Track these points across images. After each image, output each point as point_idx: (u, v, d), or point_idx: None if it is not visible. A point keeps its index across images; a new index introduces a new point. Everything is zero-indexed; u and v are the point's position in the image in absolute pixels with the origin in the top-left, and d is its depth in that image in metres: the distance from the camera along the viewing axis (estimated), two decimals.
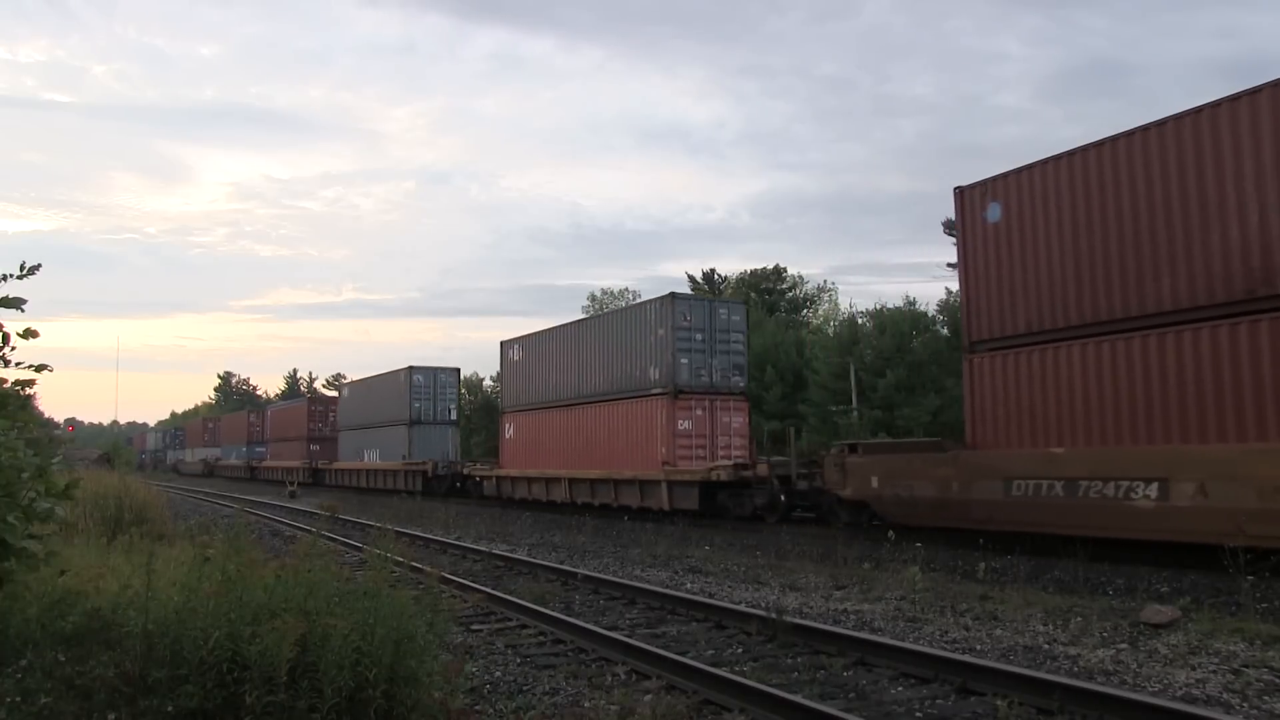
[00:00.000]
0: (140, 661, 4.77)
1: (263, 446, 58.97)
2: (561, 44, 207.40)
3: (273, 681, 4.38)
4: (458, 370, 41.55)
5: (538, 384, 28.66)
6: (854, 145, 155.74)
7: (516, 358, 30.45)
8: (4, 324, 5.36)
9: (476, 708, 6.28)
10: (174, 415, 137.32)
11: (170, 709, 4.46)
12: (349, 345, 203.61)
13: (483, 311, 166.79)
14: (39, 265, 5.30)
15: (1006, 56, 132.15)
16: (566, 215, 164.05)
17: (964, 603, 10.33)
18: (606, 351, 25.13)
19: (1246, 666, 7.29)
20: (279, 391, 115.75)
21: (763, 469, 19.88)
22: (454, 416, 40.22)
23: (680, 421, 22.43)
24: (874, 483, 16.10)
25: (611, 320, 26.56)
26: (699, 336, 22.94)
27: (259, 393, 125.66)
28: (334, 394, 63.81)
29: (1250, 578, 9.72)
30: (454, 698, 5.41)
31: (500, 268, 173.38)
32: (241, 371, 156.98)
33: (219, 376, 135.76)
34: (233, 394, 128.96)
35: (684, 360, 22.65)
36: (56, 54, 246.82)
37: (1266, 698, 6.50)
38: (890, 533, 14.79)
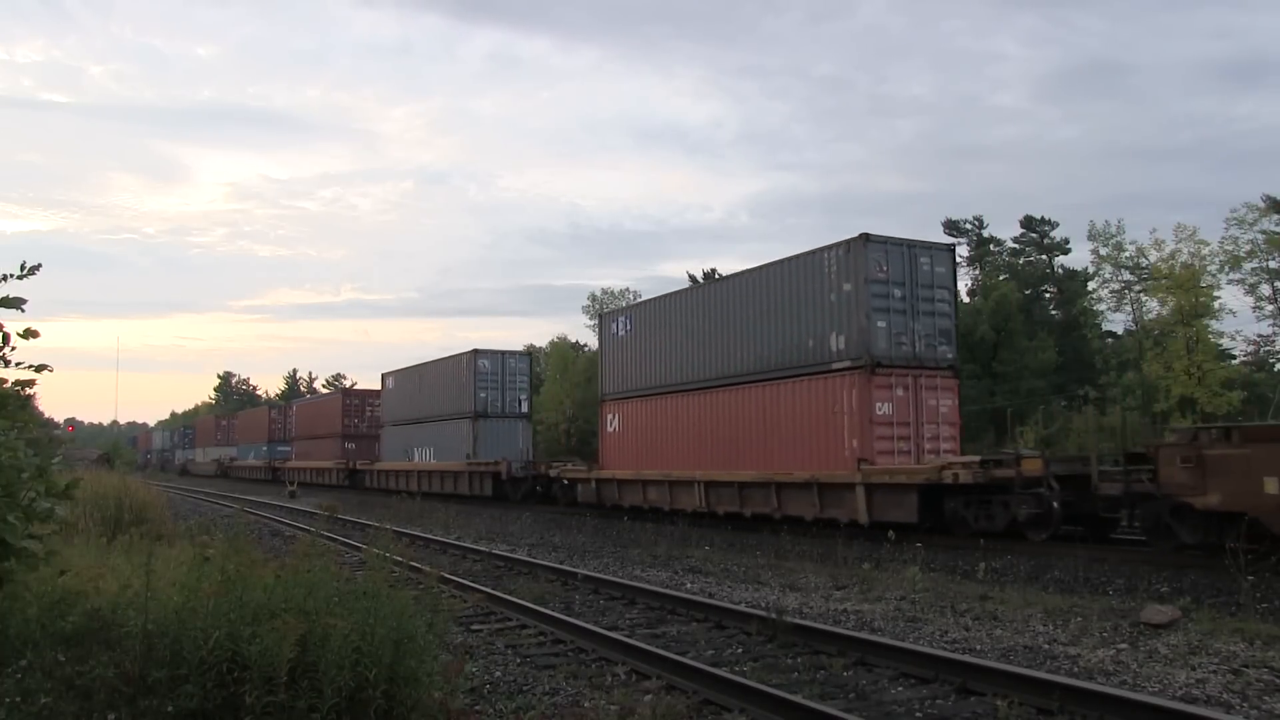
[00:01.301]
0: (140, 661, 4.77)
1: (286, 445, 54.56)
2: (558, 44, 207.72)
3: (273, 681, 4.38)
4: (529, 354, 36.58)
5: (655, 364, 23.52)
6: (852, 145, 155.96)
7: (622, 333, 25.13)
8: (4, 324, 5.36)
9: (476, 708, 6.28)
10: (174, 415, 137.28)
11: (170, 709, 4.46)
12: (348, 345, 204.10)
13: (482, 312, 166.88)
14: (39, 265, 5.30)
15: (1003, 57, 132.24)
16: (565, 215, 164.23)
17: (964, 603, 10.34)
18: (762, 317, 19.91)
19: (1246, 666, 7.29)
20: (279, 391, 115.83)
21: (1032, 465, 14.78)
22: (526, 409, 34.38)
23: (879, 404, 17.24)
24: (1273, 486, 11.38)
25: (768, 276, 20.11)
26: (898, 292, 17.70)
27: (259, 393, 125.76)
28: (366, 386, 59.06)
29: (1250, 578, 9.72)
30: (454, 698, 5.41)
31: (499, 268, 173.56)
32: (241, 371, 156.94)
33: (219, 376, 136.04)
34: (233, 394, 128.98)
35: (881, 324, 17.45)
36: (53, 54, 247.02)
37: (1267, 698, 6.50)
38: (890, 533, 14.78)
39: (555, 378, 59.69)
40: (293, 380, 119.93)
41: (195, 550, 6.92)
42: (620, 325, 25.53)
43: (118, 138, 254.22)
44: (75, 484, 5.86)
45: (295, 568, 5.23)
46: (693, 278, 63.84)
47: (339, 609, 4.77)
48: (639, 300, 25.25)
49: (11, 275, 5.26)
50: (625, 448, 24.42)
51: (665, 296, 23.87)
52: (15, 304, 5.28)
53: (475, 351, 33.55)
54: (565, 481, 27.30)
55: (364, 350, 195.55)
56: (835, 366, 17.84)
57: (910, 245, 18.14)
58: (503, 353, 34.29)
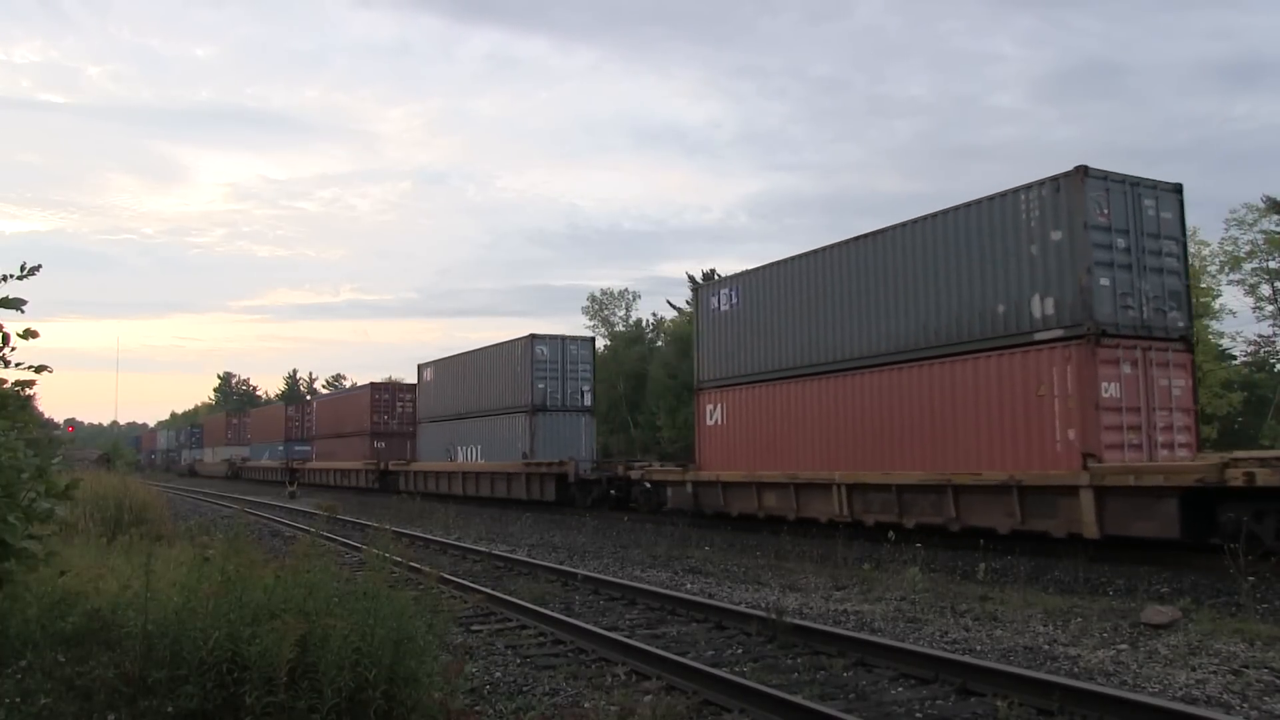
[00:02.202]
0: (140, 662, 4.77)
1: (306, 444, 51.03)
2: (556, 45, 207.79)
3: (272, 682, 4.38)
4: (592, 340, 31.80)
5: (775, 342, 19.47)
6: (850, 146, 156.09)
7: (725, 307, 21.17)
8: (4, 324, 5.36)
9: (476, 708, 6.28)
10: (174, 415, 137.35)
11: (170, 709, 4.46)
12: (348, 346, 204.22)
13: (481, 312, 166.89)
14: (39, 266, 5.30)
15: (1000, 57, 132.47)
16: (563, 216, 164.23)
17: (964, 603, 10.33)
18: (930, 279, 16.07)
19: (1247, 667, 7.29)
20: (279, 391, 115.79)
21: None
22: (589, 401, 30.21)
23: (1105, 385, 13.64)
24: None
25: (938, 228, 16.05)
26: (1121, 243, 14.07)
27: (259, 393, 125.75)
28: (397, 379, 55.83)
29: (1250, 578, 9.72)
30: (454, 698, 5.41)
31: (498, 268, 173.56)
32: (241, 372, 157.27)
33: (219, 377, 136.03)
34: (232, 394, 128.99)
35: (1104, 281, 13.82)
36: (51, 55, 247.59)
37: (1267, 698, 6.50)
38: (890, 533, 14.77)
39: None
40: (293, 380, 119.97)
41: (195, 551, 6.93)
42: (724, 298, 21.25)
43: (116, 138, 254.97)
44: (75, 484, 5.86)
45: (295, 568, 5.23)
46: (692, 278, 63.73)
47: (339, 609, 4.77)
48: (756, 267, 20.44)
49: (11, 276, 5.26)
50: (732, 444, 20.37)
51: (789, 261, 19.44)
52: (15, 304, 5.28)
53: (532, 337, 29.66)
54: (648, 485, 23.37)
55: (364, 350, 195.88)
56: (1040, 337, 14.23)
57: (1134, 184, 14.37)
58: (563, 338, 30.40)
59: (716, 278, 64.12)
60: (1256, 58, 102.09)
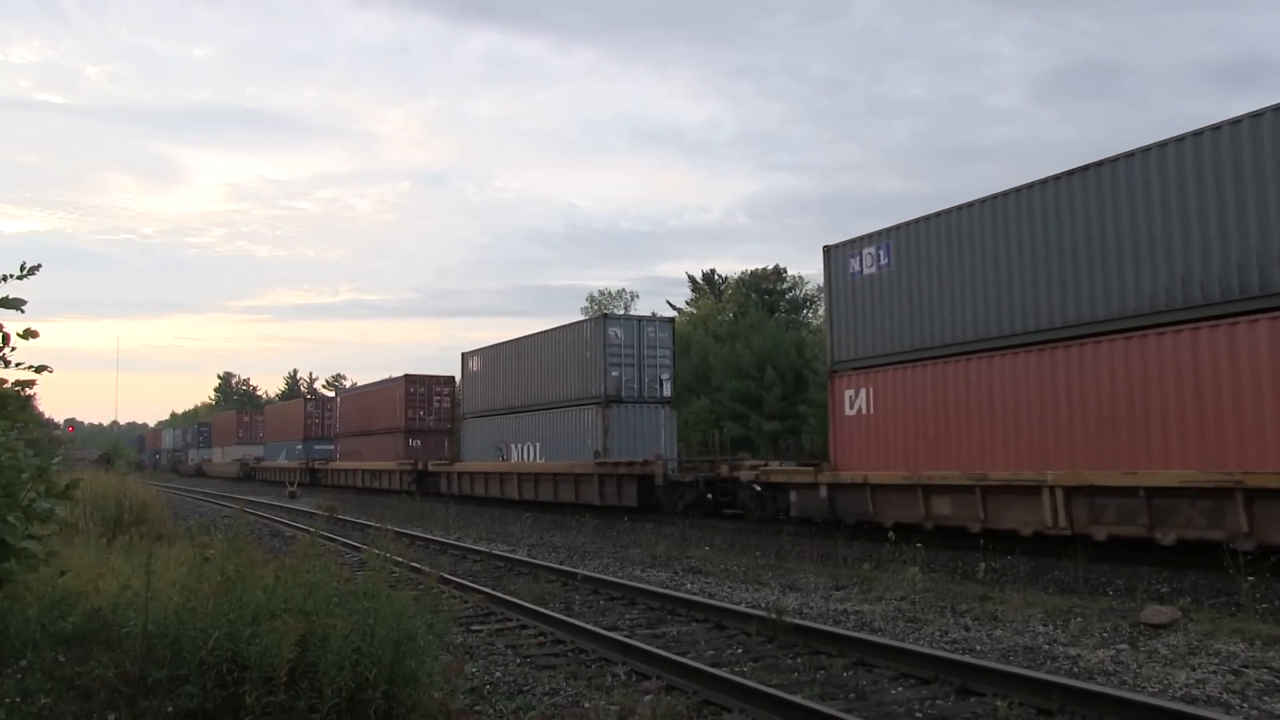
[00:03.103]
0: (140, 662, 4.77)
1: (328, 443, 47.92)
2: (553, 45, 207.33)
3: (272, 682, 4.38)
4: (671, 321, 27.94)
5: (943, 310, 15.59)
6: (849, 146, 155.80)
7: (871, 269, 17.43)
8: (4, 324, 5.36)
9: (476, 708, 6.28)
10: (174, 415, 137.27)
11: (170, 709, 4.46)
12: (347, 346, 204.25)
13: (480, 312, 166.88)
14: (39, 265, 5.30)
15: (998, 58, 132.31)
16: (562, 216, 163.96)
17: (964, 603, 10.34)
18: (1196, 211, 12.12)
19: (1246, 667, 7.29)
20: (279, 392, 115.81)
21: None
22: (669, 392, 26.24)
23: None
24: None
25: (1203, 147, 12.11)
26: None
27: (259, 393, 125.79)
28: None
29: (1250, 578, 9.72)
30: (454, 698, 5.42)
31: (497, 268, 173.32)
32: (241, 372, 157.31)
33: (219, 377, 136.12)
34: (233, 394, 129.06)
35: None
36: (49, 55, 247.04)
37: (1266, 698, 6.50)
38: (890, 533, 14.76)
39: None
40: (293, 380, 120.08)
41: (195, 551, 6.93)
42: (868, 259, 17.65)
43: (114, 138, 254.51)
44: (75, 484, 5.86)
45: (295, 568, 5.23)
46: (691, 278, 63.86)
47: (339, 609, 4.77)
48: (908, 221, 17.03)
49: (11, 276, 5.26)
50: (882, 437, 16.81)
51: (968, 206, 15.48)
52: (15, 304, 5.28)
53: (605, 317, 26.42)
54: (758, 488, 19.57)
55: (363, 351, 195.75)
56: None
57: None
58: (639, 318, 27.21)
59: (719, 276, 63.67)
60: (1254, 58, 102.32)
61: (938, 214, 16.16)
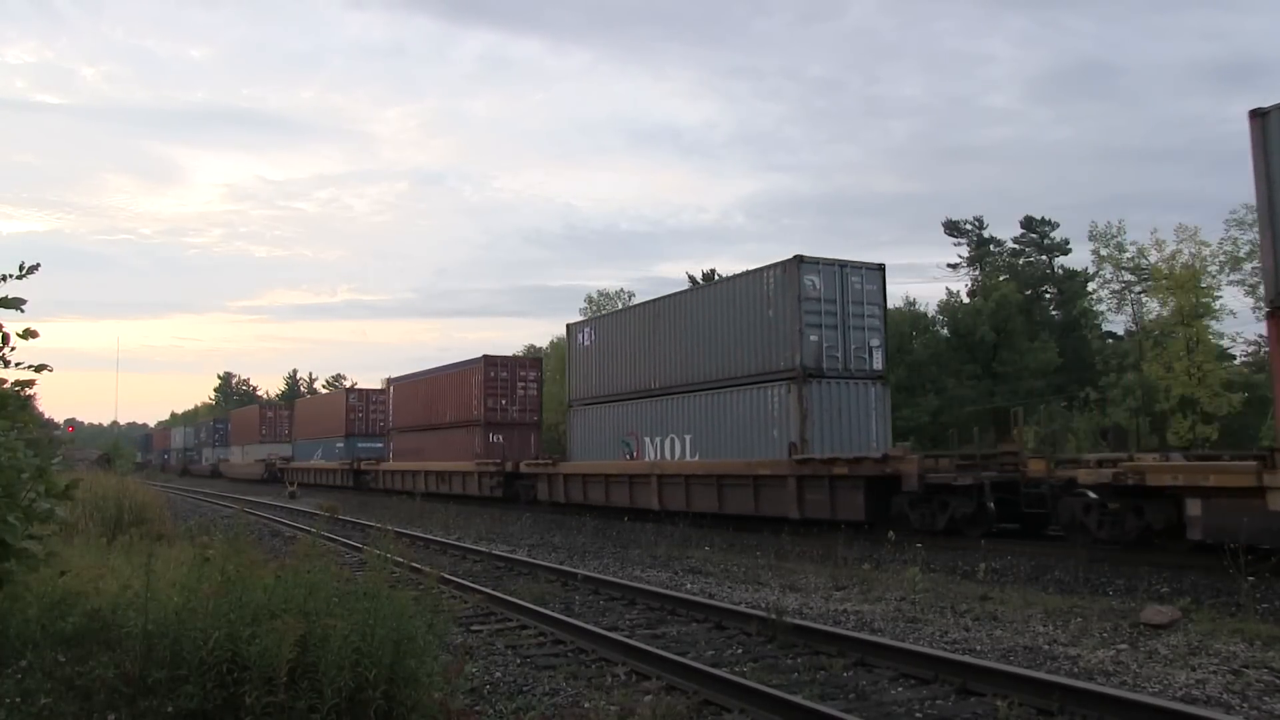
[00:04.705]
0: (140, 662, 4.77)
1: (377, 440, 42.60)
2: (550, 46, 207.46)
3: (272, 682, 4.38)
4: (881, 268, 20.13)
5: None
6: (846, 146, 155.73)
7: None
8: (4, 324, 5.36)
9: (476, 708, 6.28)
10: (174, 415, 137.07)
11: (170, 709, 4.46)
12: (346, 346, 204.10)
13: (479, 312, 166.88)
14: (37, 265, 5.30)
15: (994, 58, 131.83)
16: (560, 216, 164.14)
17: (964, 603, 10.34)
18: None
19: (1246, 667, 7.29)
20: (279, 391, 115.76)
21: None
22: (881, 363, 19.89)
23: None
24: None
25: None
26: None
27: (259, 393, 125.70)
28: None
29: (1250, 578, 9.72)
30: (454, 698, 5.41)
31: (495, 269, 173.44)
32: (240, 372, 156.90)
33: (219, 377, 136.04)
34: (233, 394, 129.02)
35: None
36: (46, 55, 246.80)
37: (1266, 698, 6.50)
38: (890, 533, 14.76)
39: (556, 379, 59.17)
40: (293, 380, 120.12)
41: (195, 551, 6.92)
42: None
43: (112, 139, 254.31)
44: (75, 484, 5.86)
45: (295, 568, 5.23)
46: (692, 278, 63.84)
47: (339, 610, 4.77)
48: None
49: (10, 276, 5.26)
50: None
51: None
52: (15, 304, 5.28)
53: (799, 259, 19.10)
54: (1092, 494, 13.30)
55: (363, 351, 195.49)
56: None
57: None
58: (840, 263, 19.65)
59: (718, 277, 64.03)
60: (1250, 59, 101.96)
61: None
